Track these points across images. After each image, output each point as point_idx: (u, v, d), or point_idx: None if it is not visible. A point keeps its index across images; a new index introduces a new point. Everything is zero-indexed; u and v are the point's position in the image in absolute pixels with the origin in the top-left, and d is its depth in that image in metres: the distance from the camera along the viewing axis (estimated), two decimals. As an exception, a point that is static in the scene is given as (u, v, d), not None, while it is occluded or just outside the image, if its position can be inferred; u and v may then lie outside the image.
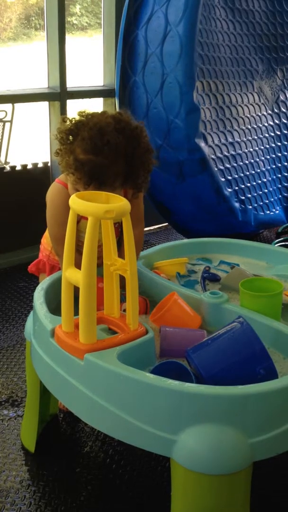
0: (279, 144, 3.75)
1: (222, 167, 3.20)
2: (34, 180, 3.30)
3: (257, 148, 3.54)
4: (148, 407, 1.26)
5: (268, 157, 3.65)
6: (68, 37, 3.26)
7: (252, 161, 3.48)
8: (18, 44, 14.68)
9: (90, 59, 5.34)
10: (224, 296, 1.61)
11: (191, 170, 3.07)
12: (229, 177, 3.25)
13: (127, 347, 1.36)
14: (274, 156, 3.70)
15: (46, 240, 1.98)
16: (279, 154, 3.75)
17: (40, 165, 3.36)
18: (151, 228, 3.90)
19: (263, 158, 3.59)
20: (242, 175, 3.36)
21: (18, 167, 3.29)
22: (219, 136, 3.23)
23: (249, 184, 3.41)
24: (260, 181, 3.52)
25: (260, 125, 3.60)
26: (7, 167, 3.35)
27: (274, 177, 3.69)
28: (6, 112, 5.12)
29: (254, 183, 3.46)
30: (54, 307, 1.61)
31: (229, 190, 3.22)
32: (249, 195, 3.38)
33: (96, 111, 1.72)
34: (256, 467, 1.26)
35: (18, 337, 2.50)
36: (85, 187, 1.62)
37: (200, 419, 1.22)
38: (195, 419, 1.22)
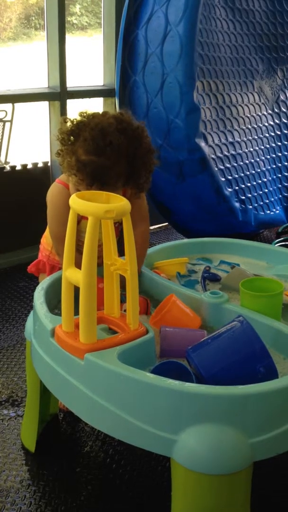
0: (279, 143, 3.75)
1: (222, 167, 3.20)
2: (34, 180, 3.30)
3: (257, 148, 3.54)
4: (148, 407, 1.26)
5: (268, 156, 3.65)
6: (68, 36, 3.26)
7: (252, 160, 3.48)
8: (18, 44, 14.66)
9: (90, 59, 5.34)
10: (224, 296, 1.61)
11: (191, 170, 3.07)
12: (229, 177, 3.25)
13: (127, 347, 1.36)
14: (274, 155, 3.70)
15: (46, 240, 1.98)
16: (279, 154, 3.75)
17: (40, 165, 3.36)
18: (151, 228, 3.89)
19: (263, 157, 3.59)
20: (242, 175, 3.36)
21: (18, 167, 3.29)
22: (219, 135, 3.23)
23: (249, 184, 3.40)
24: (260, 181, 3.52)
25: (260, 125, 3.60)
26: (7, 167, 3.35)
27: (274, 176, 3.69)
28: (6, 112, 5.11)
29: (254, 183, 3.46)
30: (54, 307, 1.61)
31: (229, 190, 3.22)
32: (249, 195, 3.38)
33: (97, 111, 1.71)
34: (256, 467, 1.26)
35: (18, 337, 2.50)
36: (88, 187, 1.62)
37: (200, 419, 1.22)
38: (195, 419, 1.22)
